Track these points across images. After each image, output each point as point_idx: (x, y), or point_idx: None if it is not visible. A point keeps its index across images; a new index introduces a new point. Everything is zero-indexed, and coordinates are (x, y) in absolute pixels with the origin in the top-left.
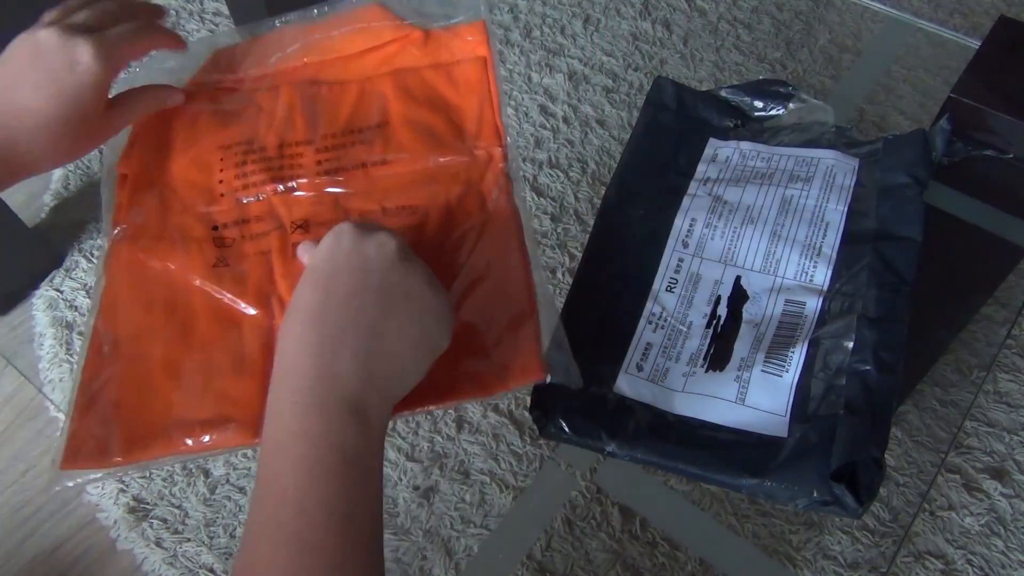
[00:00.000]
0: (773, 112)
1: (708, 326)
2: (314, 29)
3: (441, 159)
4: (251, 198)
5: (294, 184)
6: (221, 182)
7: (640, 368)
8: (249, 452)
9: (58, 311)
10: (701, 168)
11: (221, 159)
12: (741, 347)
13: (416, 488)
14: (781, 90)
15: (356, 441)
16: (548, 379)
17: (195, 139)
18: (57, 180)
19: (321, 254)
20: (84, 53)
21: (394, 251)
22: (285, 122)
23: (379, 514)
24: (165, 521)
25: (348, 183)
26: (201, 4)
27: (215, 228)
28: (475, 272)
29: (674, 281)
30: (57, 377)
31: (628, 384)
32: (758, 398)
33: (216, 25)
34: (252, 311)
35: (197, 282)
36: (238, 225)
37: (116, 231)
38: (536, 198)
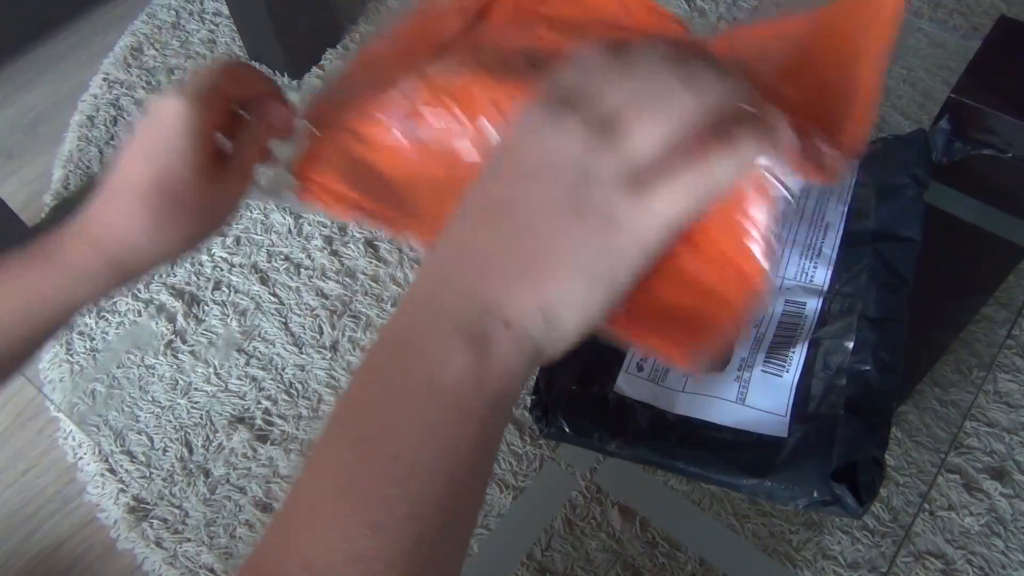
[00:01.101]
0: None
1: None
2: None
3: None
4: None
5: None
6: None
7: (640, 368)
8: (249, 452)
9: None
10: None
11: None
12: (741, 347)
13: None
14: None
15: (456, 373)
16: None
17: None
18: (57, 180)
19: (499, 145)
20: (164, 96)
21: (581, 140)
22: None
23: (466, 464)
24: (165, 521)
25: None
26: (201, 4)
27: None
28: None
29: None
30: (57, 377)
31: (628, 384)
32: (758, 398)
33: (216, 25)
34: None
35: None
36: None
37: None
38: None
